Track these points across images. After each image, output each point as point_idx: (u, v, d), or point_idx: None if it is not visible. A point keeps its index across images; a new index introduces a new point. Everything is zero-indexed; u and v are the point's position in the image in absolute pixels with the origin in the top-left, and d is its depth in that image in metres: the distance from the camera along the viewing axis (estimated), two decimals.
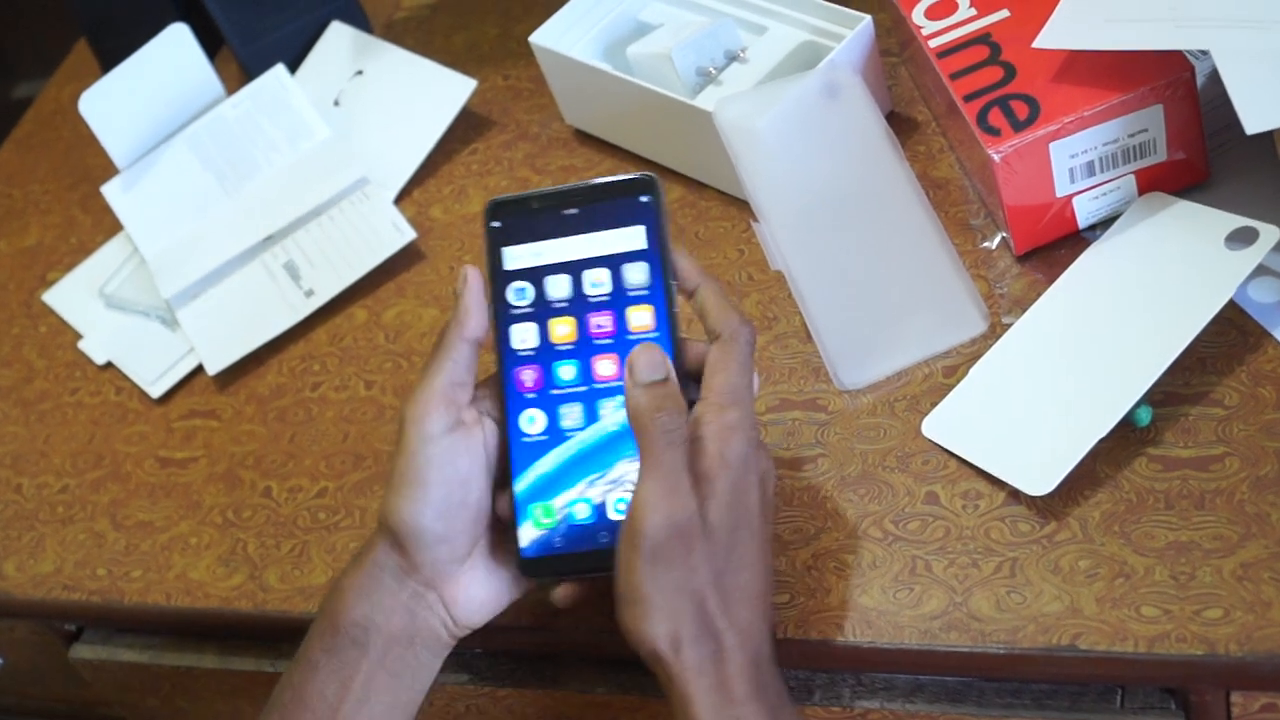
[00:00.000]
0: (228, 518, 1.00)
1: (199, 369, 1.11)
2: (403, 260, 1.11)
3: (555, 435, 0.78)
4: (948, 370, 0.87)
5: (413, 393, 0.77)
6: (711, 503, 0.71)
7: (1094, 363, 0.82)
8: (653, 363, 0.73)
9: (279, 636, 0.96)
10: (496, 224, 0.80)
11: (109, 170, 1.21)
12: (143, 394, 1.12)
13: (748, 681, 0.70)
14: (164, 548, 1.01)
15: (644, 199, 0.77)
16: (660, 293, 0.77)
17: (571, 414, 0.77)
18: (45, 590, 1.02)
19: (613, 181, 0.78)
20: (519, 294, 0.79)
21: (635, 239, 0.77)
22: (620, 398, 0.76)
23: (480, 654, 0.93)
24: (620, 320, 0.77)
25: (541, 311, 0.78)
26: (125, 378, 1.14)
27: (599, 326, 0.77)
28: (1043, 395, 0.83)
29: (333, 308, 1.10)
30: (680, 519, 0.70)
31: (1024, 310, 0.87)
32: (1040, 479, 0.79)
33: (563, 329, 0.78)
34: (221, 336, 1.10)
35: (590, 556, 0.76)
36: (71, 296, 1.23)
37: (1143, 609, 0.74)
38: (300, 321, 1.10)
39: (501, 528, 0.79)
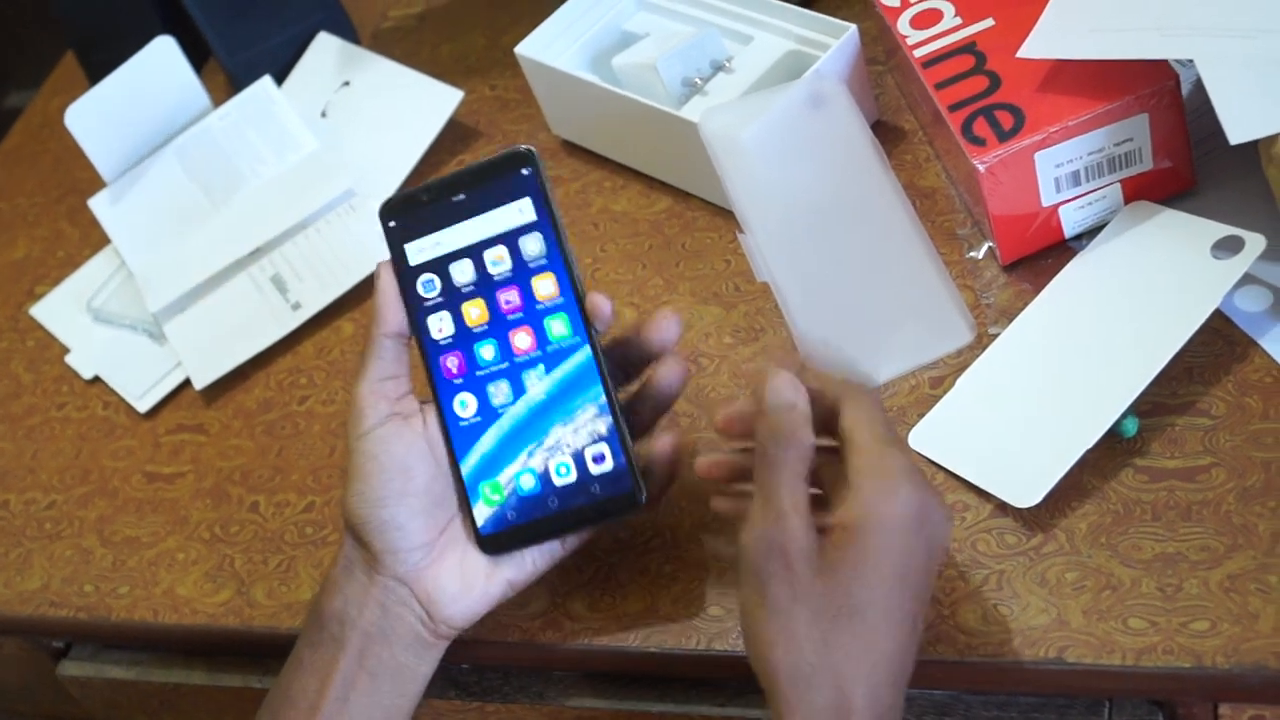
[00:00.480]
0: (215, 533, 1.00)
1: (186, 383, 1.11)
2: None
3: (488, 414, 0.80)
4: (934, 381, 0.87)
5: (350, 390, 0.80)
6: (851, 557, 0.67)
7: (1081, 373, 0.82)
8: (777, 389, 0.71)
9: (266, 653, 0.96)
10: (393, 224, 0.82)
11: (96, 183, 1.21)
12: (130, 408, 1.12)
13: None
14: (151, 563, 1.00)
15: (525, 171, 0.80)
16: (559, 259, 0.79)
17: (499, 391, 0.80)
18: (32, 606, 1.02)
19: (491, 160, 0.80)
20: (428, 286, 0.81)
21: (525, 212, 0.80)
22: (540, 365, 0.79)
23: (468, 669, 0.93)
24: (527, 293, 0.80)
25: (452, 299, 0.81)
26: (112, 392, 1.14)
27: (508, 302, 0.80)
28: (1030, 406, 0.83)
29: (320, 320, 1.10)
30: (775, 537, 0.68)
31: (1011, 320, 0.87)
32: (1027, 491, 0.78)
33: (475, 311, 0.80)
34: (208, 350, 1.10)
35: (544, 523, 0.79)
36: (59, 310, 1.23)
37: (1130, 621, 0.74)
38: (287, 335, 1.10)
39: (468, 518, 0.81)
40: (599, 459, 0.78)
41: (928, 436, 0.84)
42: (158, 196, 1.19)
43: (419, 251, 0.81)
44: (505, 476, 0.79)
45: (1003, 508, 0.80)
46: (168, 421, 1.10)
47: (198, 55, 1.25)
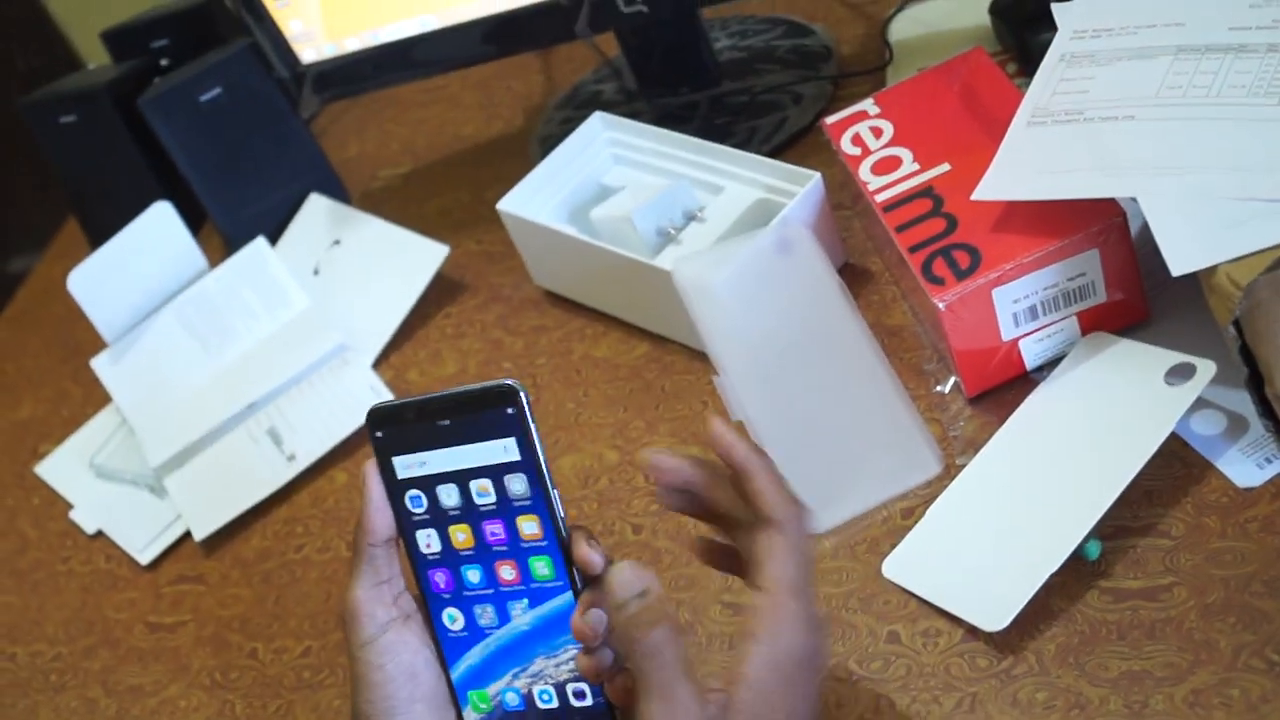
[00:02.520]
0: (215, 679, 1.01)
1: (187, 534, 1.13)
2: None
3: (475, 632, 0.78)
4: (905, 512, 0.89)
5: (342, 596, 0.77)
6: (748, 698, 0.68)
7: (1044, 499, 0.84)
8: (625, 583, 0.71)
9: None
10: (380, 434, 0.78)
11: (99, 344, 1.24)
12: (132, 561, 1.13)
13: None
14: (154, 712, 1.01)
15: (509, 410, 0.75)
16: (541, 501, 0.75)
17: (485, 613, 0.78)
18: None
19: (475, 392, 0.76)
20: (414, 501, 0.78)
21: (508, 451, 0.76)
22: (525, 600, 0.76)
23: None
24: (511, 529, 0.76)
25: (439, 519, 0.78)
26: (115, 545, 1.15)
27: (493, 534, 0.77)
28: (997, 533, 0.84)
29: (314, 471, 1.12)
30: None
31: (977, 451, 0.89)
32: (996, 615, 0.80)
33: (461, 535, 0.77)
34: (207, 502, 1.12)
35: None
36: (63, 468, 1.25)
37: None
38: (283, 485, 1.11)
39: None
40: (580, 695, 0.76)
41: (900, 566, 0.86)
42: (157, 355, 1.21)
43: (406, 467, 0.78)
44: (493, 689, 0.78)
45: (974, 632, 0.81)
46: (169, 573, 1.11)
47: (195, 217, 1.29)
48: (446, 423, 0.76)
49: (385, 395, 1.12)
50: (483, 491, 0.76)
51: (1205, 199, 0.80)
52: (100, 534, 1.17)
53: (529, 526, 0.76)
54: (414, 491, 0.78)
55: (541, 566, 0.76)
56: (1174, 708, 0.74)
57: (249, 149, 1.29)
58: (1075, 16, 0.95)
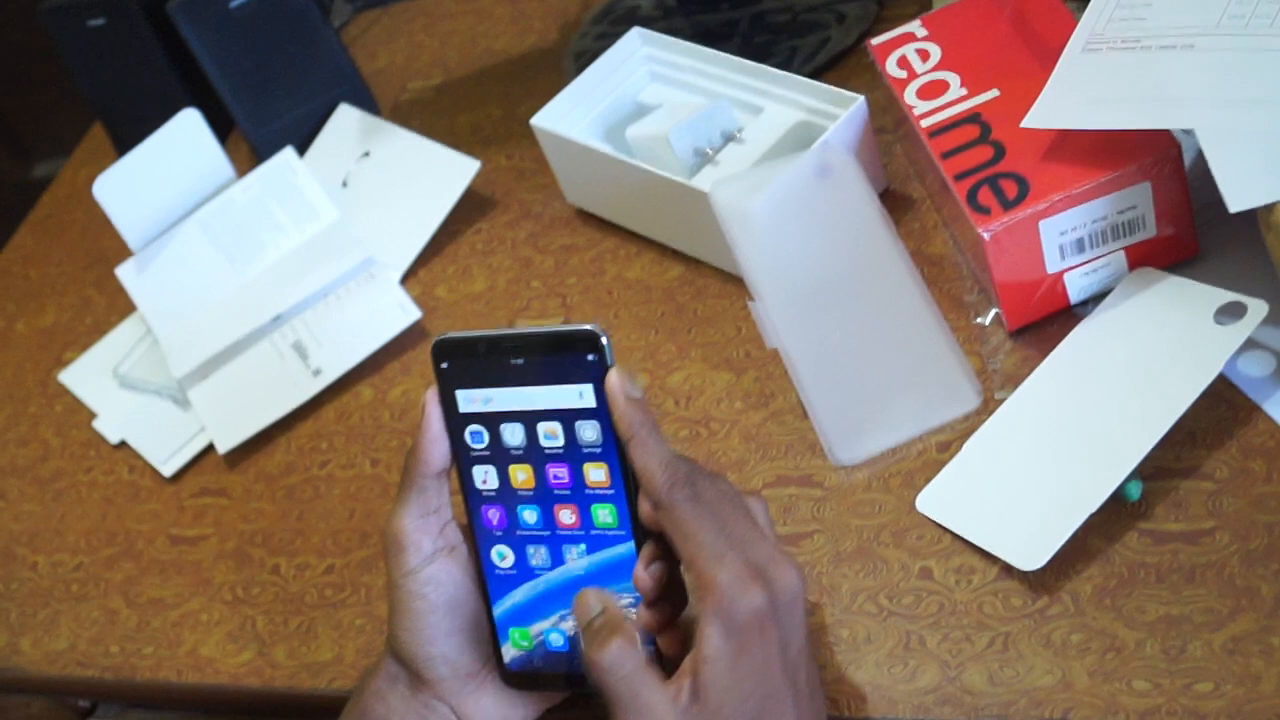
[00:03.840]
0: (237, 594, 1.01)
1: (210, 448, 1.12)
2: (408, 339, 1.12)
3: (525, 571, 0.77)
4: (941, 446, 0.87)
5: (388, 522, 0.76)
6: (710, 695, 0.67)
7: (1085, 438, 0.82)
8: (585, 607, 0.71)
9: (286, 712, 0.96)
10: (445, 365, 0.76)
11: (123, 252, 1.23)
12: (155, 472, 1.12)
13: None
14: (175, 624, 1.01)
15: (590, 357, 0.72)
16: (613, 450, 0.73)
17: (538, 554, 0.76)
18: (60, 667, 1.03)
19: (557, 334, 0.73)
20: (475, 437, 0.76)
21: (585, 398, 0.73)
22: (582, 544, 0.75)
23: None
24: (577, 474, 0.75)
25: (499, 456, 0.76)
26: (138, 456, 1.15)
27: (556, 477, 0.75)
28: (1035, 470, 0.83)
29: (340, 386, 1.11)
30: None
31: (1017, 386, 0.87)
32: (1032, 554, 0.79)
33: (522, 475, 0.76)
34: (231, 415, 1.11)
35: (566, 679, 0.77)
36: (87, 376, 1.24)
37: (1134, 683, 0.74)
38: (308, 400, 1.10)
39: None
40: None
41: (935, 500, 0.85)
42: (183, 265, 1.20)
43: (469, 400, 0.76)
44: (535, 629, 0.77)
45: (1008, 570, 0.80)
46: (191, 485, 1.10)
47: (222, 126, 1.27)
48: (520, 361, 0.74)
49: (413, 311, 1.11)
50: (550, 434, 0.74)
51: (1266, 133, 0.77)
52: (123, 444, 1.17)
53: (596, 474, 0.74)
54: (475, 427, 0.76)
55: (605, 514, 0.74)
56: (1212, 654, 0.73)
57: (279, 58, 1.27)
58: None
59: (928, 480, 0.86)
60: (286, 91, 1.28)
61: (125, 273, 1.21)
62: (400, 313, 1.11)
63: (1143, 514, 0.80)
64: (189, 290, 1.19)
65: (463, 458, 0.76)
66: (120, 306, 1.27)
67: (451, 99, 1.34)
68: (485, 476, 0.76)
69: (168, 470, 1.12)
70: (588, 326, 0.72)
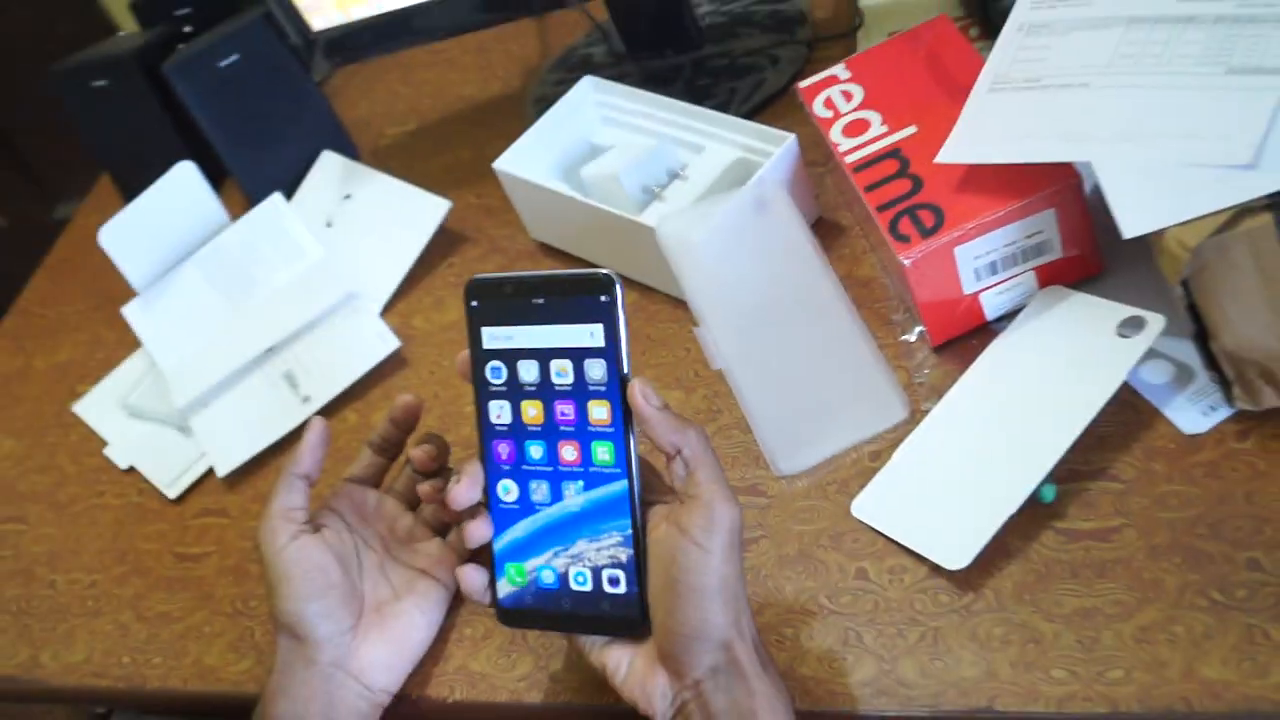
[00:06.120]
0: (237, 607, 0.99)
1: (210, 471, 1.10)
2: (389, 367, 1.10)
3: (526, 506, 0.77)
4: (873, 455, 0.86)
5: (263, 514, 0.84)
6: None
7: (1004, 444, 0.81)
8: (636, 394, 0.74)
9: None
10: (475, 303, 0.77)
11: (129, 293, 1.20)
12: (161, 495, 1.10)
13: (759, 652, 0.72)
14: (180, 636, 0.99)
15: (603, 298, 0.74)
16: (615, 389, 0.74)
17: (540, 490, 0.76)
18: (77, 678, 1.01)
19: (576, 277, 0.74)
20: (495, 372, 0.77)
21: (595, 337, 0.74)
22: (580, 481, 0.75)
23: None
24: (581, 411, 0.75)
25: (514, 391, 0.76)
26: (146, 480, 1.12)
27: (563, 414, 0.75)
28: (959, 475, 0.81)
29: (327, 411, 1.09)
30: (739, 521, 0.72)
31: (940, 397, 0.86)
32: (958, 554, 0.77)
33: (532, 411, 0.76)
34: (229, 441, 1.09)
35: (555, 617, 0.77)
36: (98, 407, 1.22)
37: (1052, 671, 0.72)
38: (298, 425, 1.08)
39: (379, 603, 0.85)
40: (614, 582, 0.74)
41: (868, 506, 0.83)
42: (183, 303, 1.18)
43: (493, 338, 0.76)
44: (530, 565, 0.77)
45: (936, 570, 0.78)
46: (194, 506, 1.08)
47: (216, 174, 1.25)
48: (540, 301, 0.75)
49: (392, 341, 1.09)
50: (561, 371, 0.75)
51: (1155, 165, 0.76)
52: (132, 469, 1.14)
53: (599, 411, 0.74)
54: (496, 363, 0.77)
55: (603, 451, 0.74)
56: (1123, 643, 0.72)
57: (265, 110, 1.25)
58: None
59: (861, 487, 0.84)
60: (274, 141, 1.25)
61: (131, 312, 1.19)
62: (380, 343, 1.09)
63: (1057, 514, 0.78)
64: (189, 326, 1.16)
65: (481, 393, 0.77)
66: (128, 342, 1.25)
67: (425, 143, 1.32)
68: (499, 411, 0.77)
69: (172, 493, 1.09)
70: (603, 270, 0.74)
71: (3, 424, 1.27)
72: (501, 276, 0.76)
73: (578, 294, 0.74)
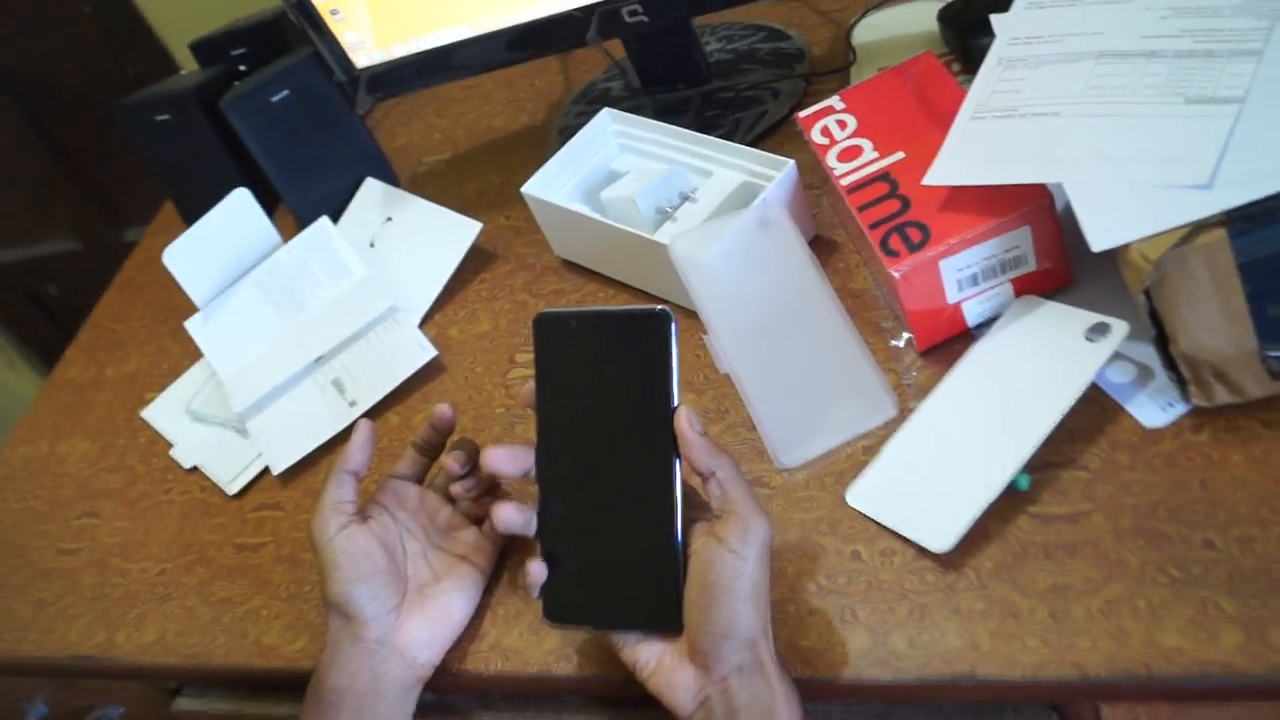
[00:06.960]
0: (292, 592, 1.01)
1: (266, 469, 1.13)
2: (427, 373, 1.12)
3: (578, 516, 0.78)
4: (866, 449, 0.88)
5: (317, 505, 0.87)
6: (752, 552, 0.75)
7: (983, 438, 0.83)
8: (684, 419, 0.76)
9: None
10: (541, 335, 0.79)
11: (191, 308, 1.23)
12: (222, 491, 1.13)
13: (778, 656, 0.75)
14: (241, 619, 1.02)
15: (659, 333, 0.75)
16: (667, 415, 0.76)
17: (591, 502, 0.78)
18: (150, 656, 1.03)
19: (636, 313, 0.76)
20: (559, 393, 0.79)
21: (650, 367, 0.76)
22: (630, 494, 0.77)
23: (498, 697, 0.94)
24: (634, 434, 0.77)
25: (575, 415, 0.78)
26: (208, 478, 1.15)
27: (617, 437, 0.77)
28: (943, 467, 0.84)
29: (372, 414, 1.11)
30: (770, 533, 0.75)
31: (926, 396, 0.88)
32: (942, 537, 0.80)
33: (589, 433, 0.78)
34: (283, 442, 1.12)
35: (600, 616, 0.79)
36: (164, 413, 1.24)
37: (1028, 641, 0.75)
38: (346, 427, 1.11)
39: (421, 585, 0.88)
40: (655, 584, 0.76)
41: (862, 495, 0.86)
42: (239, 317, 1.21)
43: (555, 361, 0.79)
44: (580, 567, 0.78)
45: (923, 552, 0.81)
46: (252, 501, 1.11)
47: (269, 200, 1.28)
48: (602, 334, 0.77)
49: (430, 350, 1.12)
50: (617, 398, 0.77)
51: (1120, 186, 0.78)
52: (196, 469, 1.17)
53: (650, 435, 0.76)
54: (558, 385, 0.79)
55: (652, 470, 0.77)
56: (1091, 616, 0.74)
57: (313, 141, 1.28)
58: (1010, 26, 0.93)
59: (855, 478, 0.87)
60: (321, 169, 1.28)
61: (193, 325, 1.22)
62: (420, 351, 1.12)
63: (1032, 501, 0.81)
64: (245, 338, 1.19)
65: (544, 410, 0.79)
66: (191, 353, 1.28)
67: (459, 170, 1.35)
68: (558, 430, 0.79)
69: (232, 489, 1.12)
70: (660, 308, 0.76)
71: (78, 428, 1.30)
72: (567, 311, 0.79)
73: (634, 330, 0.76)
